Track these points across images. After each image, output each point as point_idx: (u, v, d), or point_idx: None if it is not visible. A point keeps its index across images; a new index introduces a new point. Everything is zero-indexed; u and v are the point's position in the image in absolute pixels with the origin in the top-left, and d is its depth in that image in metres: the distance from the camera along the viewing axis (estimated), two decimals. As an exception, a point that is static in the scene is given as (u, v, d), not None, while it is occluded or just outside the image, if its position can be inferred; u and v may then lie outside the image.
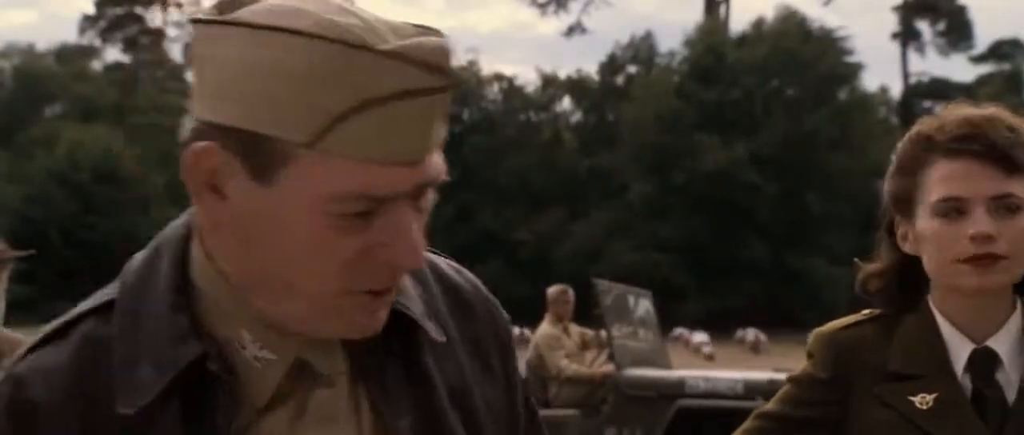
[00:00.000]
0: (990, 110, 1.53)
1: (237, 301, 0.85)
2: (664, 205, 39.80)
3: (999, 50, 48.04)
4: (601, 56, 49.62)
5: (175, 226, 0.89)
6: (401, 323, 0.89)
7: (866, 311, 1.62)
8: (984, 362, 1.52)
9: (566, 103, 47.59)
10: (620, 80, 46.66)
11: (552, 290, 8.24)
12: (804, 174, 39.73)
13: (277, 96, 0.76)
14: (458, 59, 55.66)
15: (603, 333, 7.95)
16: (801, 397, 1.60)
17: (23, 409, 0.80)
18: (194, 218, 0.87)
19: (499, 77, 46.33)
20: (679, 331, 31.18)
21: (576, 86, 46.52)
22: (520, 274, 33.98)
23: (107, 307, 0.85)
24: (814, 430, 1.57)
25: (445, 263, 1.02)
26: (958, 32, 48.02)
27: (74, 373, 0.81)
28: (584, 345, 8.30)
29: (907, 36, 48.75)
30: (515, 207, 40.83)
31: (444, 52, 0.77)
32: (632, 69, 46.69)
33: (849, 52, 43.44)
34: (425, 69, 0.77)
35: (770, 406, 1.62)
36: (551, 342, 8.03)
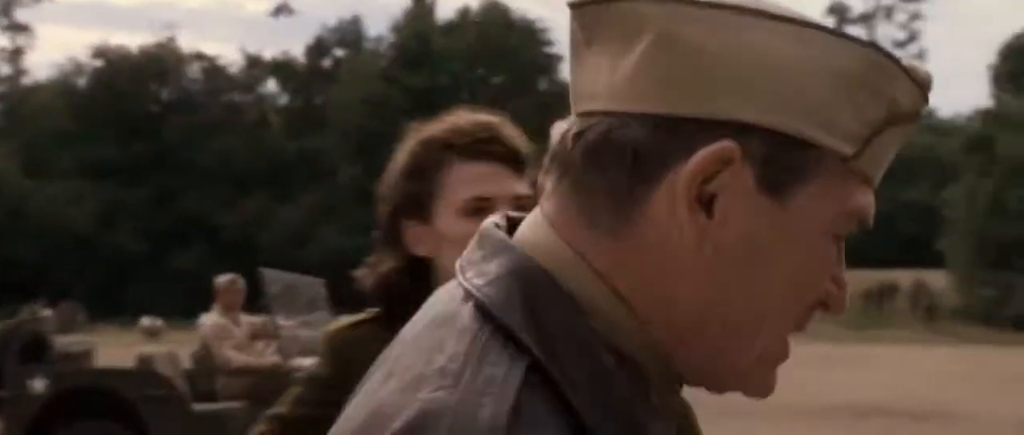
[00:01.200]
0: (496, 117, 1.56)
1: (652, 358, 0.68)
2: (372, 189, 39.68)
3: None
4: (308, 38, 48.85)
5: (518, 255, 0.68)
6: None
7: (369, 310, 1.62)
8: None
9: (272, 85, 46.56)
10: (327, 63, 46.17)
11: (220, 280, 8.08)
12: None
13: (826, 99, 0.66)
14: (156, 35, 52.79)
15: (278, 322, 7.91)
16: (304, 396, 1.62)
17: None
18: (600, 257, 0.67)
19: (200, 56, 44.57)
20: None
21: (282, 68, 45.56)
22: (224, 259, 32.94)
23: (530, 375, 0.64)
24: (316, 429, 1.55)
25: None
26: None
27: None
28: (254, 335, 8.12)
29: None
30: (218, 190, 39.47)
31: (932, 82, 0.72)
32: (339, 52, 46.34)
33: (550, 43, 45.34)
34: (925, 95, 0.70)
35: (277, 406, 1.64)
36: (219, 332, 7.88)
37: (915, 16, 62.45)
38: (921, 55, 62.88)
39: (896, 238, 44.69)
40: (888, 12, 62.34)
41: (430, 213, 1.52)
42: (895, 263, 37.47)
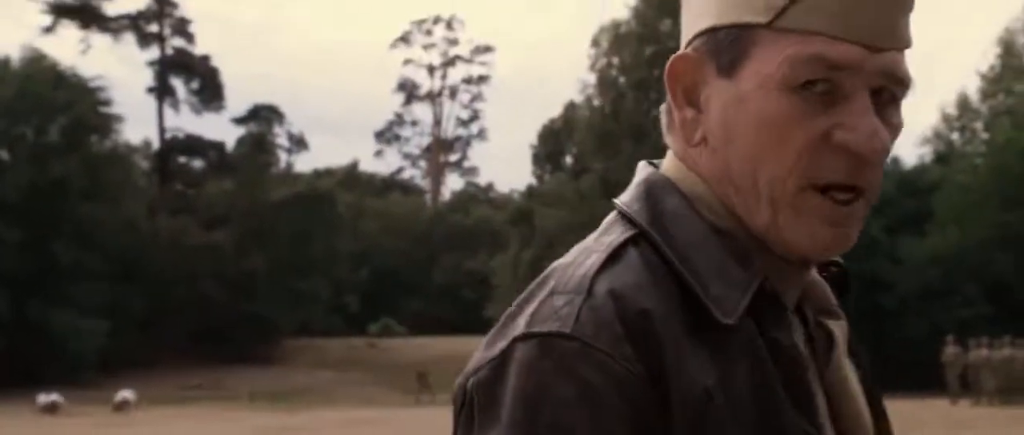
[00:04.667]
0: None
1: (735, 229, 0.88)
2: None
3: (258, 113, 51.59)
4: None
5: (651, 171, 0.92)
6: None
7: None
8: None
9: None
10: None
11: None
12: (51, 223, 38.04)
13: None
14: None
15: None
16: None
17: (639, 314, 0.81)
18: (689, 156, 0.90)
19: None
20: None
21: None
22: None
23: (635, 240, 0.86)
24: None
25: None
26: (211, 92, 50.24)
27: (660, 287, 0.84)
28: None
29: (163, 92, 49.64)
30: None
31: None
32: None
33: (106, 102, 42.76)
34: None
35: None
36: None
37: (477, 97, 67.10)
38: (482, 134, 67.64)
39: (461, 304, 47.07)
40: (453, 92, 66.25)
41: None
42: (462, 330, 39.38)
